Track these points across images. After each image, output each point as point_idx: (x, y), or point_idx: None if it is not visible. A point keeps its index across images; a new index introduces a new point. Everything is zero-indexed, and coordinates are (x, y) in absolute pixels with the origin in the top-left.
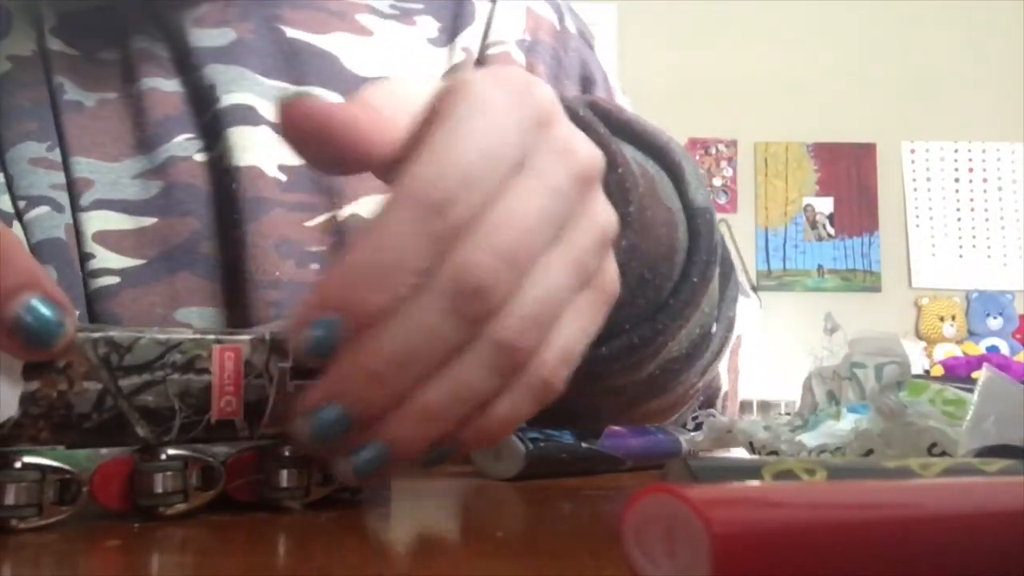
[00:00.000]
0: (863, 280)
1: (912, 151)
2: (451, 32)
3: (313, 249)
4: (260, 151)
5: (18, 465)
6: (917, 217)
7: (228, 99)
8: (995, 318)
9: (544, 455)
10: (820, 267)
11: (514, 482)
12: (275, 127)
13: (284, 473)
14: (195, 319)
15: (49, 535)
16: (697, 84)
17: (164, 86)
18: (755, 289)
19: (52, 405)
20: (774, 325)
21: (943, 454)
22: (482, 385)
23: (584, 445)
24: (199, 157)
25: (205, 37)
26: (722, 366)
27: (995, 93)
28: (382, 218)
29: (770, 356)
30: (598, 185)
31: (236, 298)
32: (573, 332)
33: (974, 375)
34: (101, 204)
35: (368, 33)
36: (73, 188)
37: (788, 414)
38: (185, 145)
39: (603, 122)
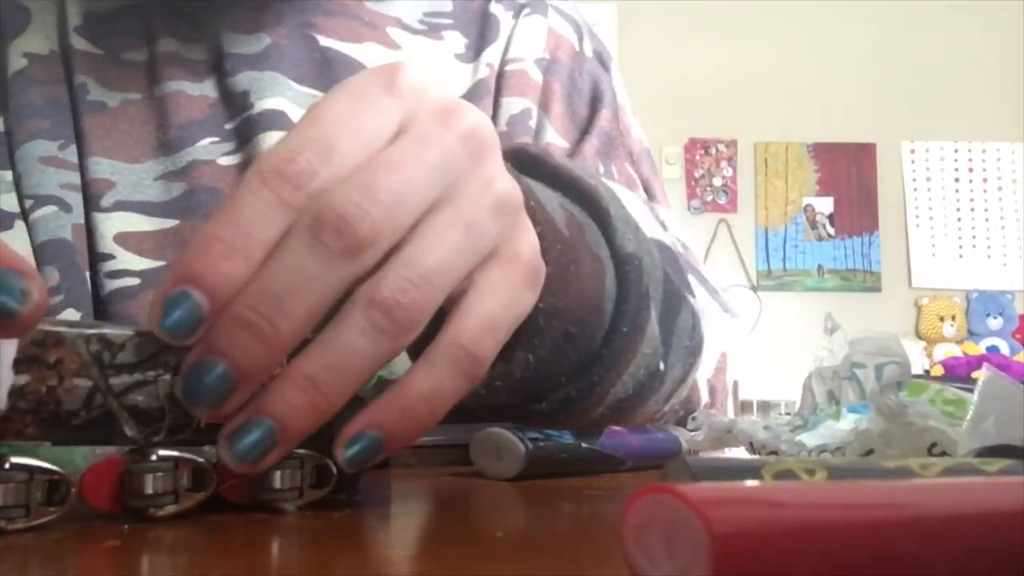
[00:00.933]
0: (863, 280)
1: (912, 151)
2: (476, 48)
3: None
4: None
5: (6, 466)
6: (917, 217)
7: (261, 105)
8: (995, 318)
9: (544, 455)
10: (820, 267)
11: (514, 482)
12: None
13: (277, 474)
14: None
15: (37, 537)
16: (697, 84)
17: (190, 89)
18: (755, 289)
19: (41, 400)
20: (774, 325)
21: (943, 454)
22: (363, 347)
23: (584, 445)
24: (224, 161)
25: (240, 42)
26: (702, 380)
27: (995, 93)
28: (233, 196)
29: (770, 356)
30: (493, 153)
31: None
32: (493, 303)
33: (974, 375)
34: (123, 206)
35: (397, 47)
36: (90, 188)
37: (788, 414)
38: (210, 149)
39: (532, 169)
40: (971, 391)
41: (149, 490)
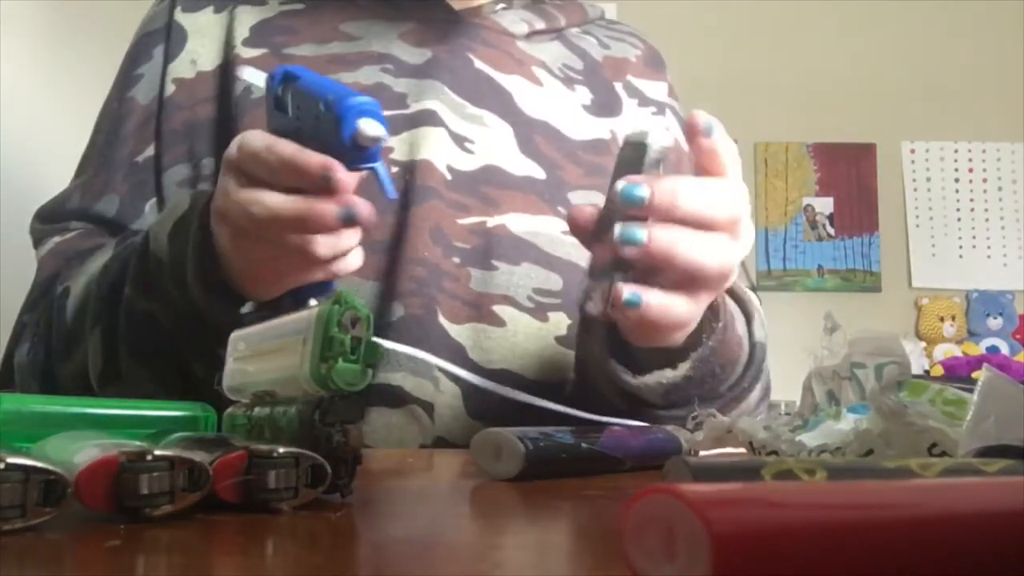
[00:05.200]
0: (863, 280)
1: (912, 151)
2: (599, 110)
3: (459, 244)
4: (435, 148)
5: (2, 466)
6: (917, 217)
7: (417, 105)
8: (995, 318)
9: (544, 455)
10: (820, 267)
11: (514, 482)
12: (451, 132)
13: (272, 474)
14: (354, 290)
15: (34, 537)
16: (697, 84)
17: (346, 78)
18: (755, 289)
19: None
20: (774, 325)
21: (943, 454)
22: None
23: (584, 445)
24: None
25: (405, 52)
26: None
27: (995, 93)
28: None
29: (770, 356)
30: None
31: (388, 271)
32: None
33: (974, 375)
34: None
35: (539, 83)
36: None
37: (788, 414)
38: None
39: None
40: (971, 391)
41: (144, 490)
